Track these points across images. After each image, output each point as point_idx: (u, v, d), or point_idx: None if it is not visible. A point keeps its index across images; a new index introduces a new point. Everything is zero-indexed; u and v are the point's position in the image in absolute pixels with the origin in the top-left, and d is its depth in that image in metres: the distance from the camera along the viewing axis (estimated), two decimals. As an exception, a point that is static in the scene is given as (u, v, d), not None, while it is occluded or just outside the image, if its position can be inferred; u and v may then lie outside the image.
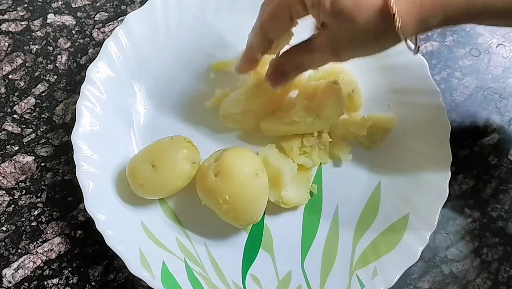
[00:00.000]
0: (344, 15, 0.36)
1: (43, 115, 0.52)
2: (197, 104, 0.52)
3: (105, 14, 0.57)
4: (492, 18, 0.37)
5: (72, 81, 0.54)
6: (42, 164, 0.50)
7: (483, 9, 0.35)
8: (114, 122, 0.49)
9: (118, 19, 0.57)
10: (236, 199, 0.43)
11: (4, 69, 0.54)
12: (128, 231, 0.45)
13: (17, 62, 0.54)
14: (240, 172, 0.43)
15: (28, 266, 0.46)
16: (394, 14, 0.35)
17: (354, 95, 0.51)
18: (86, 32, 0.56)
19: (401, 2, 0.35)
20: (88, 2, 0.57)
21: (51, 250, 0.47)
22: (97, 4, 0.57)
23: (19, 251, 0.47)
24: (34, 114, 0.52)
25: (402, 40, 0.37)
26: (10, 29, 0.56)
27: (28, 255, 0.47)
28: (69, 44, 0.56)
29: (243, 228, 0.48)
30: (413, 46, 0.39)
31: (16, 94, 0.53)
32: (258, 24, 0.42)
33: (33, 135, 0.51)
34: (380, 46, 0.39)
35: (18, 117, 0.52)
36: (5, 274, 0.46)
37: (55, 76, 0.54)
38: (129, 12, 0.55)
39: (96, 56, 0.50)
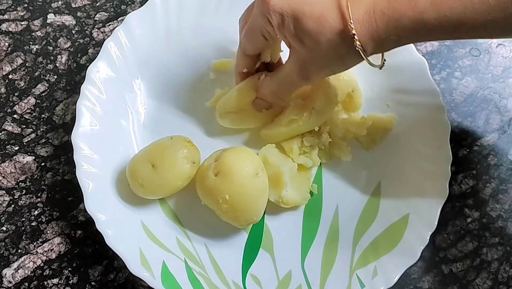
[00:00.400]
0: (307, 37, 0.38)
1: (43, 115, 0.52)
2: (197, 104, 0.52)
3: (105, 14, 0.57)
4: (443, 35, 0.38)
5: (72, 81, 0.54)
6: (42, 164, 0.50)
7: (436, 25, 0.36)
8: (114, 122, 0.49)
9: (118, 19, 0.57)
10: (236, 198, 0.43)
11: (4, 69, 0.54)
12: (128, 231, 0.45)
13: (17, 62, 0.54)
14: (240, 172, 0.43)
15: (28, 266, 0.46)
16: (354, 35, 0.37)
17: (354, 95, 0.51)
18: (86, 32, 0.56)
19: (359, 24, 0.37)
20: (88, 2, 0.57)
21: (51, 250, 0.47)
22: (97, 4, 0.57)
23: (19, 251, 0.47)
24: (34, 114, 0.52)
25: (364, 59, 0.38)
26: (10, 29, 0.56)
27: (28, 255, 0.47)
28: (69, 44, 0.56)
29: (243, 228, 0.48)
30: (377, 63, 0.40)
31: (16, 94, 0.53)
32: (239, 42, 0.44)
33: (33, 135, 0.51)
34: (345, 64, 0.41)
35: (18, 117, 0.52)
36: (5, 274, 0.46)
37: (55, 76, 0.54)
38: (129, 12, 0.55)
39: (96, 56, 0.50)
